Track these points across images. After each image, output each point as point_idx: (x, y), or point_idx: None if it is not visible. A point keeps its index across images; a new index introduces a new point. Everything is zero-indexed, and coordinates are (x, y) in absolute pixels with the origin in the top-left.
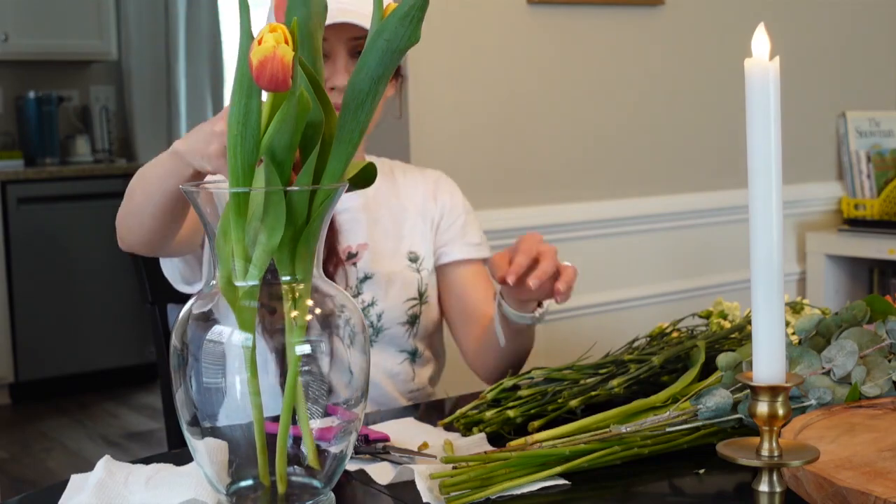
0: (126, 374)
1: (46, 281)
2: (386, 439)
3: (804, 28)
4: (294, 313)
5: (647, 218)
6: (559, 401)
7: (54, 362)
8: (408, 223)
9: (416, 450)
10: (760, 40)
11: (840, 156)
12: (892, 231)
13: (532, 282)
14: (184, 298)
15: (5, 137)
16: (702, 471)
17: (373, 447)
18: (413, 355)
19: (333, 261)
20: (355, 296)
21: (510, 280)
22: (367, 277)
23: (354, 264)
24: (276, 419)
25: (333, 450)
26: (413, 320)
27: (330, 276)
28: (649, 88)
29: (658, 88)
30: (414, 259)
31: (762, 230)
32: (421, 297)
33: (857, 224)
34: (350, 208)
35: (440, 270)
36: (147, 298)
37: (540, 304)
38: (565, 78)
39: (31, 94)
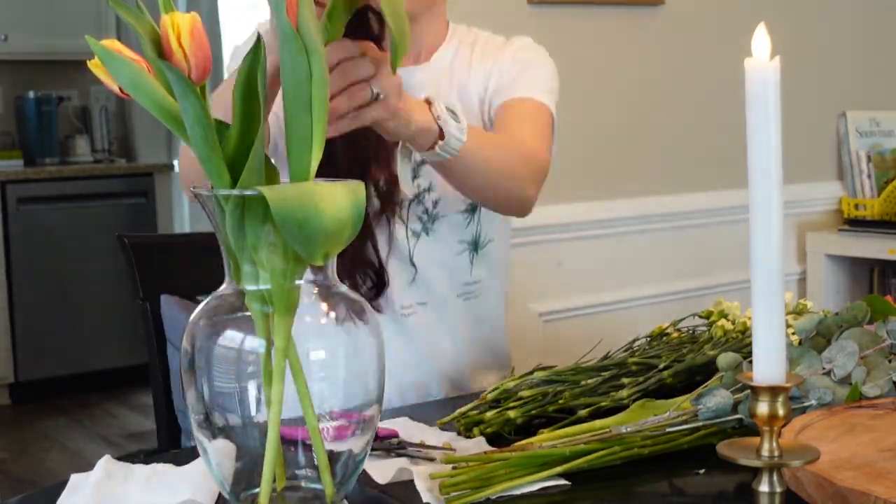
0: (125, 374)
1: (46, 281)
2: (395, 435)
3: (804, 28)
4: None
5: (647, 218)
6: (560, 401)
7: (54, 362)
8: (468, 98)
9: (430, 445)
10: (761, 40)
11: (840, 156)
12: (892, 231)
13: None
14: (178, 291)
15: (5, 137)
16: (702, 471)
17: (387, 443)
18: (475, 245)
19: (387, 146)
20: (413, 179)
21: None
22: (423, 162)
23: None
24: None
25: (338, 448)
26: (473, 208)
27: (386, 161)
28: (649, 88)
29: (658, 88)
30: None
31: (762, 230)
32: None
33: (857, 224)
34: (412, 85)
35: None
36: (138, 294)
37: (442, 137)
38: (565, 78)
39: (31, 94)
